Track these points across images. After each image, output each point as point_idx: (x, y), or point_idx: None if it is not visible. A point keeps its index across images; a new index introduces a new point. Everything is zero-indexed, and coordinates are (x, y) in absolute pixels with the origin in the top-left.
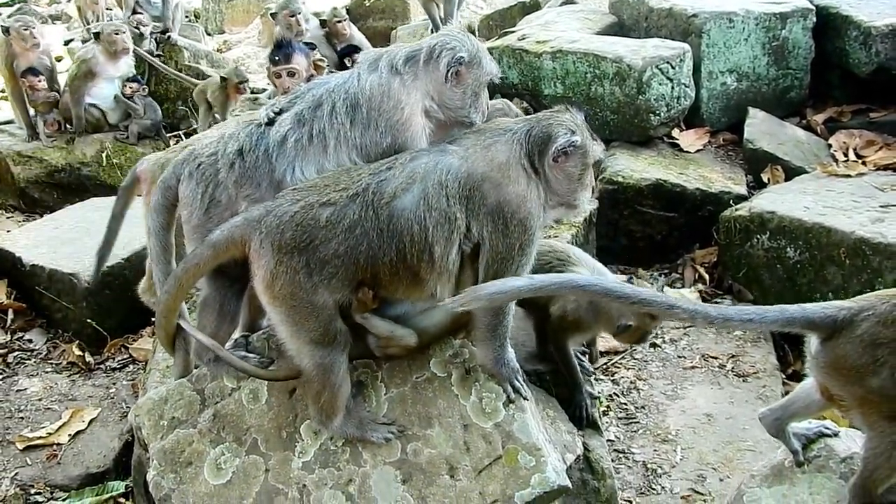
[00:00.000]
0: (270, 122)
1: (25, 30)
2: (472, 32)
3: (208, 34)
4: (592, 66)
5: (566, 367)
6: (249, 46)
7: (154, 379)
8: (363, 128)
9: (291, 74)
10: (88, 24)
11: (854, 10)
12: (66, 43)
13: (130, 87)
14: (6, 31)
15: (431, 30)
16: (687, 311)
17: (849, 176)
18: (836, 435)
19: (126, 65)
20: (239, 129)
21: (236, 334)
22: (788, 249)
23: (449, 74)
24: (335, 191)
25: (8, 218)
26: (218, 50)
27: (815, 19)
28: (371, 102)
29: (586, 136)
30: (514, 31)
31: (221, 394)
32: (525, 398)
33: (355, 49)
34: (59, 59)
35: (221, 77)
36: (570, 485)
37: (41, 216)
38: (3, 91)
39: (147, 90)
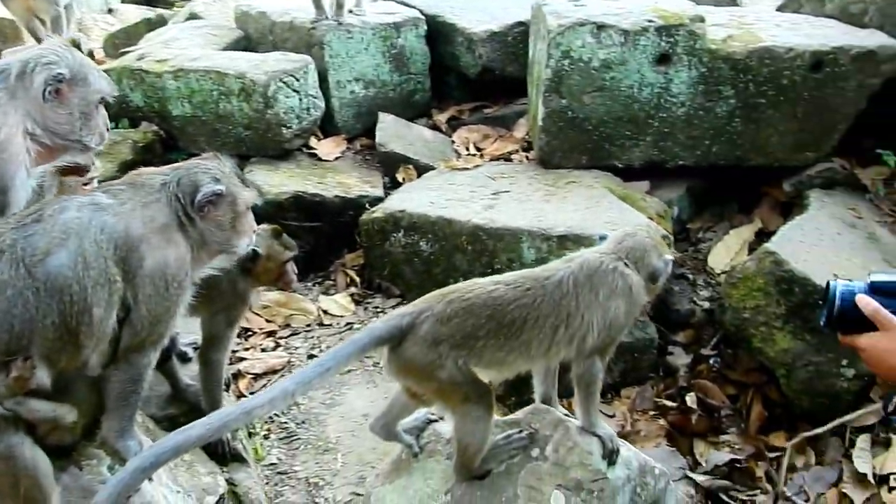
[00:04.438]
0: None
1: None
2: (77, 47)
3: None
4: (217, 83)
5: (213, 392)
6: None
7: None
8: None
9: None
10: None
11: (458, 19)
12: None
13: None
14: None
15: None
16: (266, 404)
17: (467, 169)
18: (441, 419)
19: None
20: None
21: None
22: (422, 243)
23: (47, 93)
24: None
25: None
26: None
27: (426, 27)
28: None
29: (233, 183)
30: (132, 51)
31: None
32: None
33: None
34: None
35: None
36: None
37: None
38: None
39: None
